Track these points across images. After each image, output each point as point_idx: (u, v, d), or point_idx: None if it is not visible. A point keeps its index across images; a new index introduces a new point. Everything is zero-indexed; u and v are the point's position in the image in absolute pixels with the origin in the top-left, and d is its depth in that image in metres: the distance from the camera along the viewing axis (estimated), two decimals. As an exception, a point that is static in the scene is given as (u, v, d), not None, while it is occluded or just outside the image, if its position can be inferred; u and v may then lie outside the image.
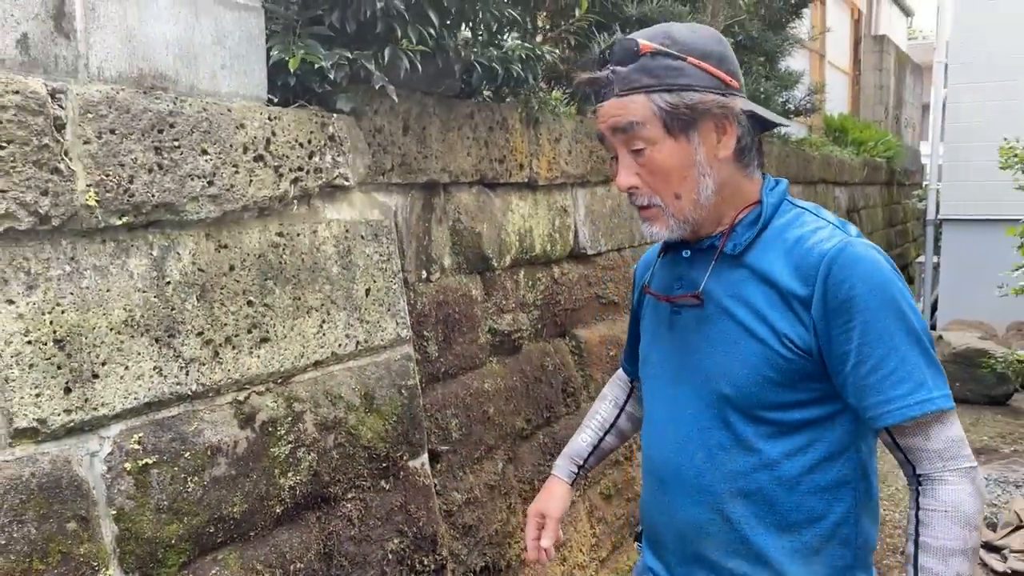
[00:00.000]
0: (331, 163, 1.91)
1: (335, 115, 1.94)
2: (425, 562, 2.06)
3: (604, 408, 1.66)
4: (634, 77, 1.20)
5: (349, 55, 1.89)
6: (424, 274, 2.32)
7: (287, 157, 1.78)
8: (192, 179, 1.56)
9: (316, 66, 1.85)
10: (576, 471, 1.62)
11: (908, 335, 1.13)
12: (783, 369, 1.18)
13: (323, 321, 1.88)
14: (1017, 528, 3.54)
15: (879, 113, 12.61)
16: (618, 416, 1.65)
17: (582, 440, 1.64)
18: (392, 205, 2.19)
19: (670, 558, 1.35)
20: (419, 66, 2.00)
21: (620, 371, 1.71)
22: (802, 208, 1.28)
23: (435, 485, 2.23)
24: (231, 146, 1.65)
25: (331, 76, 1.87)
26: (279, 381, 1.77)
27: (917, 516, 1.15)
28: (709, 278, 1.25)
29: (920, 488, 1.16)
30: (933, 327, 7.60)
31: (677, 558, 1.33)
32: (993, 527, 3.70)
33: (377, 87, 1.95)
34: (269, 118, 1.75)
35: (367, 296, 2.01)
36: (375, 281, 2.04)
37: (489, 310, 2.60)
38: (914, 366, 1.13)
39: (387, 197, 2.18)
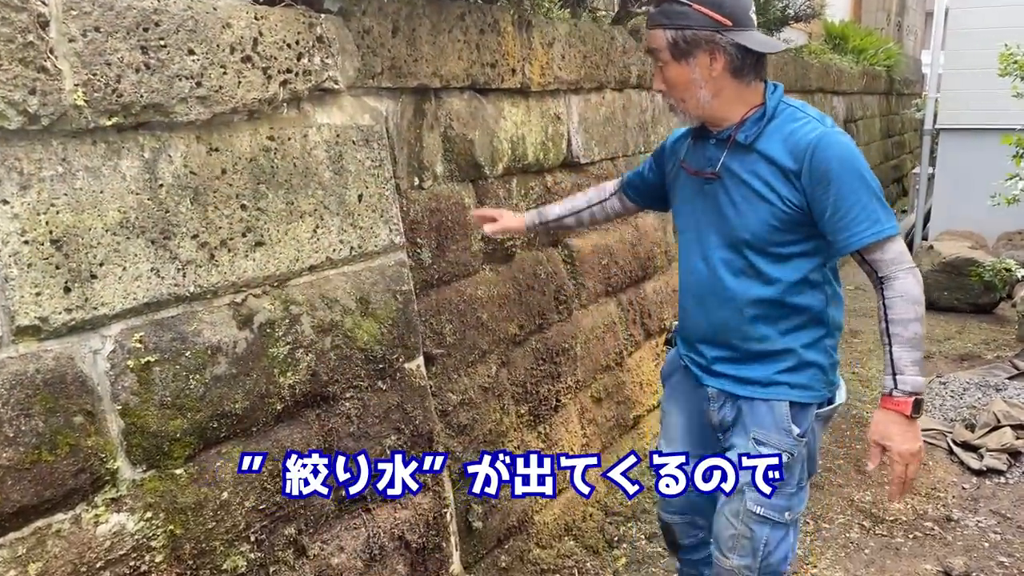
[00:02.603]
0: (320, 65, 1.88)
1: (323, 15, 1.90)
2: (422, 458, 2.14)
3: (580, 199, 2.32)
4: (657, 17, 1.73)
5: (335, -48, 1.85)
6: (416, 181, 2.33)
7: (275, 58, 1.76)
8: (180, 80, 1.55)
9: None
10: (536, 222, 2.32)
11: (867, 190, 1.64)
12: (784, 220, 1.71)
13: (317, 226, 1.90)
14: (994, 428, 3.66)
15: (881, 20, 12.32)
16: (585, 208, 2.30)
17: (553, 209, 2.33)
18: (383, 110, 2.17)
19: (704, 347, 1.92)
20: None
21: (612, 183, 2.30)
22: (794, 107, 1.78)
23: (431, 386, 2.30)
24: (218, 46, 1.63)
25: (317, -26, 1.83)
26: (275, 284, 1.80)
27: (884, 304, 1.67)
28: (726, 158, 1.77)
29: (883, 285, 1.68)
30: (925, 238, 7.64)
31: (710, 346, 1.90)
32: (972, 427, 3.83)
33: (365, -14, 1.91)
34: (256, 17, 1.72)
35: (360, 202, 2.02)
36: (367, 187, 2.05)
37: (482, 217, 2.61)
38: (873, 210, 1.64)
39: (377, 102, 2.16)
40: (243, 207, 1.72)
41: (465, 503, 2.41)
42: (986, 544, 3.02)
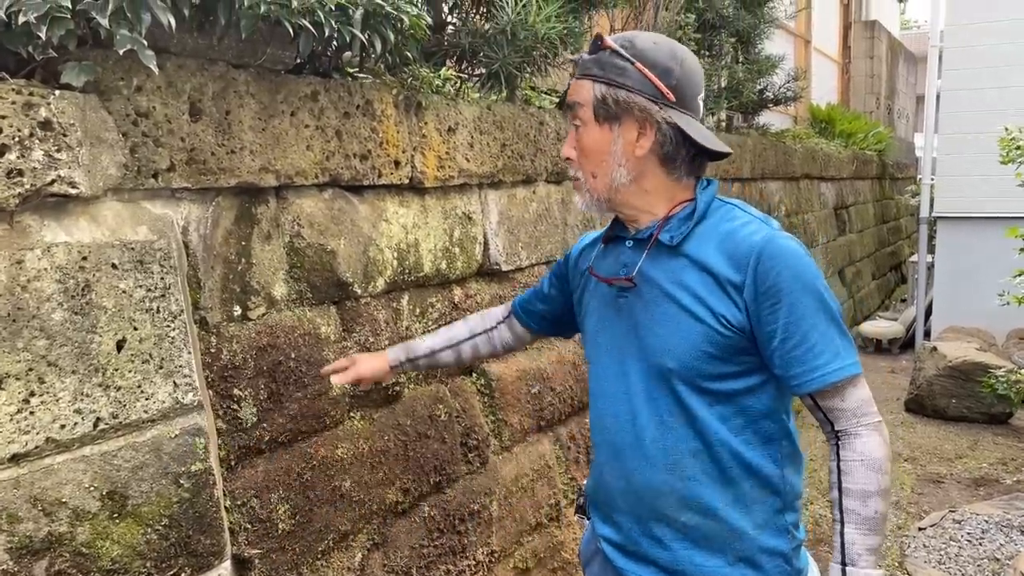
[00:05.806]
0: (43, 162, 1.30)
1: (56, 92, 1.34)
2: None
3: (459, 329, 1.80)
4: (589, 65, 1.37)
5: (70, 4, 1.30)
6: (238, 311, 1.73)
7: (-53, 153, 1.19)
8: None
9: (22, 19, 1.25)
10: (402, 360, 1.77)
11: (825, 314, 1.29)
12: (720, 344, 1.31)
13: (31, 393, 1.29)
14: (1026, 595, 2.95)
15: (870, 103, 12.02)
16: (464, 340, 1.78)
17: (423, 343, 1.78)
18: (177, 219, 1.59)
19: (623, 520, 1.45)
20: (201, 21, 1.40)
21: (500, 308, 1.82)
22: (731, 204, 1.41)
23: (245, 601, 1.64)
24: None
25: (42, 36, 1.28)
26: (-64, 492, 1.18)
27: (839, 467, 1.32)
28: (644, 263, 1.39)
29: (839, 442, 1.33)
30: (927, 335, 7.04)
31: (631, 519, 1.43)
32: (996, 589, 3.12)
33: (122, 51, 1.35)
34: (-85, 94, 1.16)
35: (120, 351, 1.41)
36: (136, 328, 1.44)
37: (349, 351, 2.00)
38: (831, 340, 1.29)
39: (170, 208, 1.58)
40: None
41: None
42: None
